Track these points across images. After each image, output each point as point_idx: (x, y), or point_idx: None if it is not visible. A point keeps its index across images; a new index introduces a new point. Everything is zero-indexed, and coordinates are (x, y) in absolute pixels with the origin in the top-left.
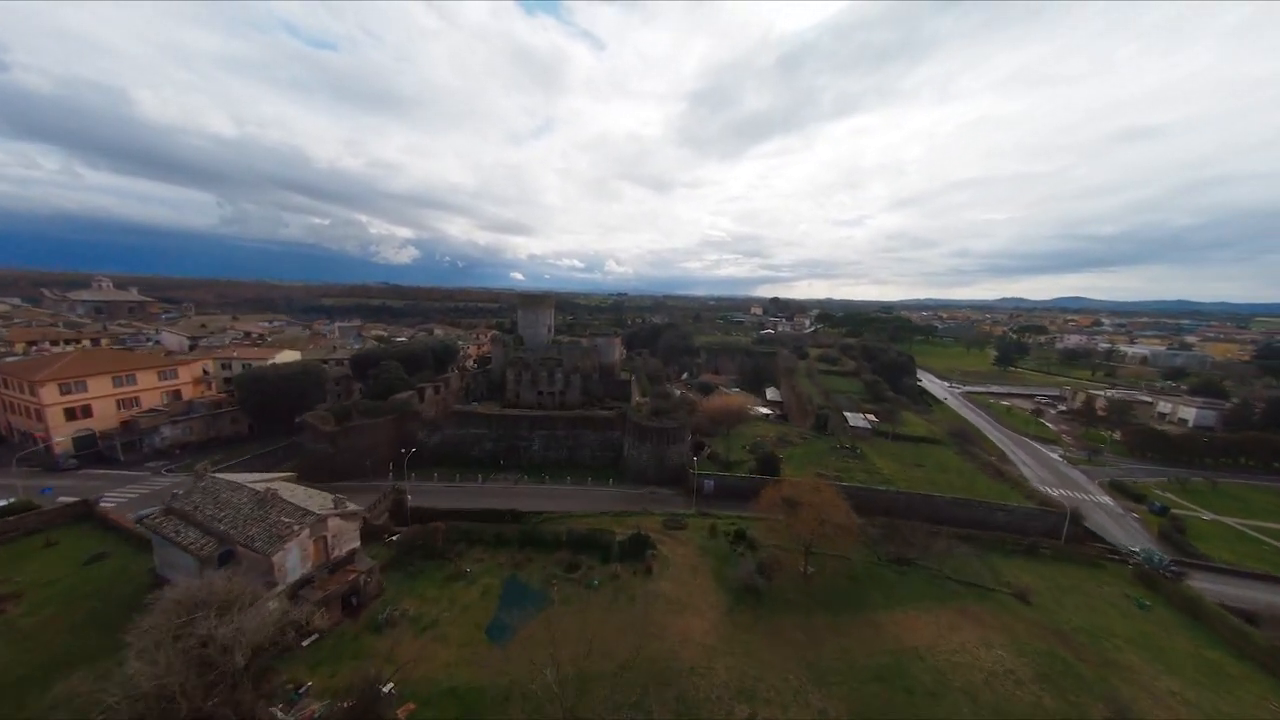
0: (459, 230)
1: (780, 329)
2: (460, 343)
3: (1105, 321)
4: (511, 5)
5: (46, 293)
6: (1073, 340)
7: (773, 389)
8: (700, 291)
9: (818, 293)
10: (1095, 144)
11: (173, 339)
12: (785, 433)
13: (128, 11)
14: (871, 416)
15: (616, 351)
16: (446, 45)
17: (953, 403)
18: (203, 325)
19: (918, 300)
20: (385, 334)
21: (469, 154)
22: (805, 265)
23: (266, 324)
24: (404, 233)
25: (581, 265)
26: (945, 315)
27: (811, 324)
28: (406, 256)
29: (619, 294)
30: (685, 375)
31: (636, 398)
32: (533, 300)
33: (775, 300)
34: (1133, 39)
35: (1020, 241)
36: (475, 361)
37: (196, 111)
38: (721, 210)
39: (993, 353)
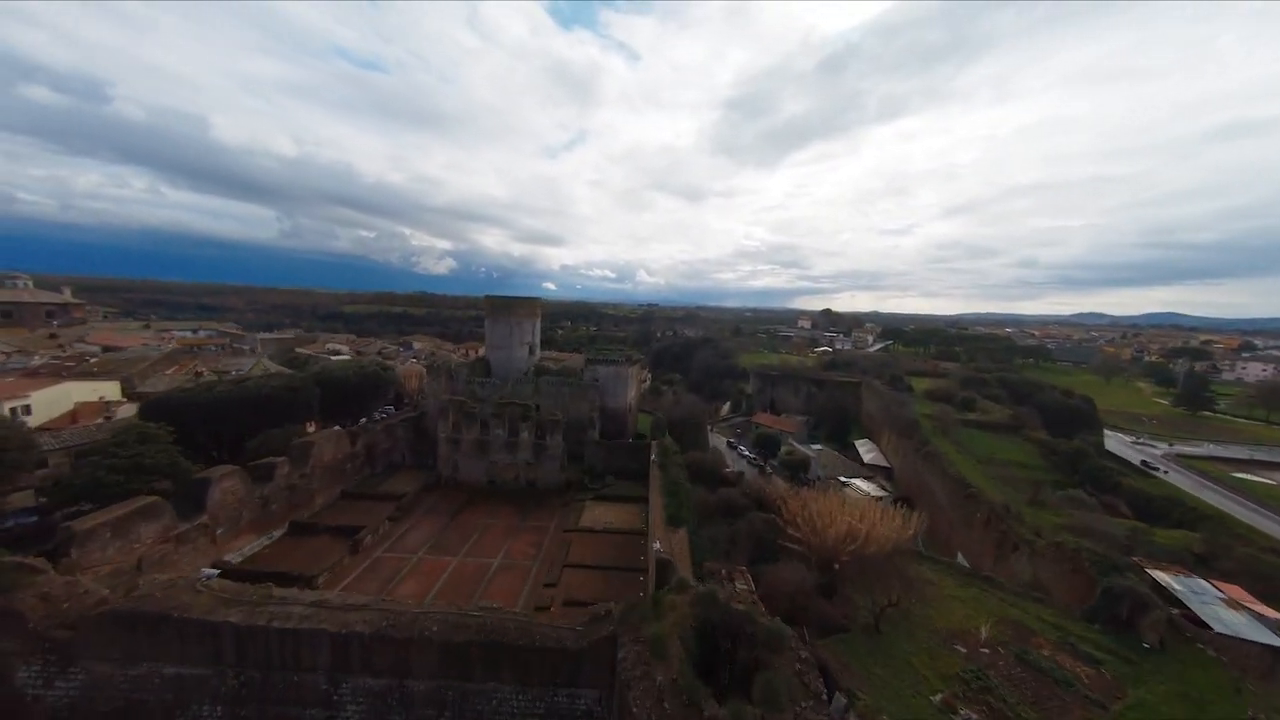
0: (494, 242)
1: (839, 346)
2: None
3: (1258, 343)
4: (549, 22)
5: None
6: (1257, 370)
7: (867, 444)
8: (733, 303)
9: (861, 305)
10: (1184, 143)
11: None
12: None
13: (207, 46)
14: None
15: (630, 389)
16: (486, 65)
17: (1181, 480)
18: (52, 335)
19: (976, 314)
20: (308, 352)
21: (505, 168)
22: (847, 276)
23: (191, 333)
24: (443, 244)
25: (613, 275)
26: (1030, 332)
27: (875, 341)
28: (444, 267)
29: (649, 304)
30: (727, 407)
31: (659, 507)
32: (504, 306)
33: (827, 312)
34: (1232, 26)
35: (1097, 250)
36: (409, 399)
37: (263, 134)
38: (757, 219)
39: (1144, 385)
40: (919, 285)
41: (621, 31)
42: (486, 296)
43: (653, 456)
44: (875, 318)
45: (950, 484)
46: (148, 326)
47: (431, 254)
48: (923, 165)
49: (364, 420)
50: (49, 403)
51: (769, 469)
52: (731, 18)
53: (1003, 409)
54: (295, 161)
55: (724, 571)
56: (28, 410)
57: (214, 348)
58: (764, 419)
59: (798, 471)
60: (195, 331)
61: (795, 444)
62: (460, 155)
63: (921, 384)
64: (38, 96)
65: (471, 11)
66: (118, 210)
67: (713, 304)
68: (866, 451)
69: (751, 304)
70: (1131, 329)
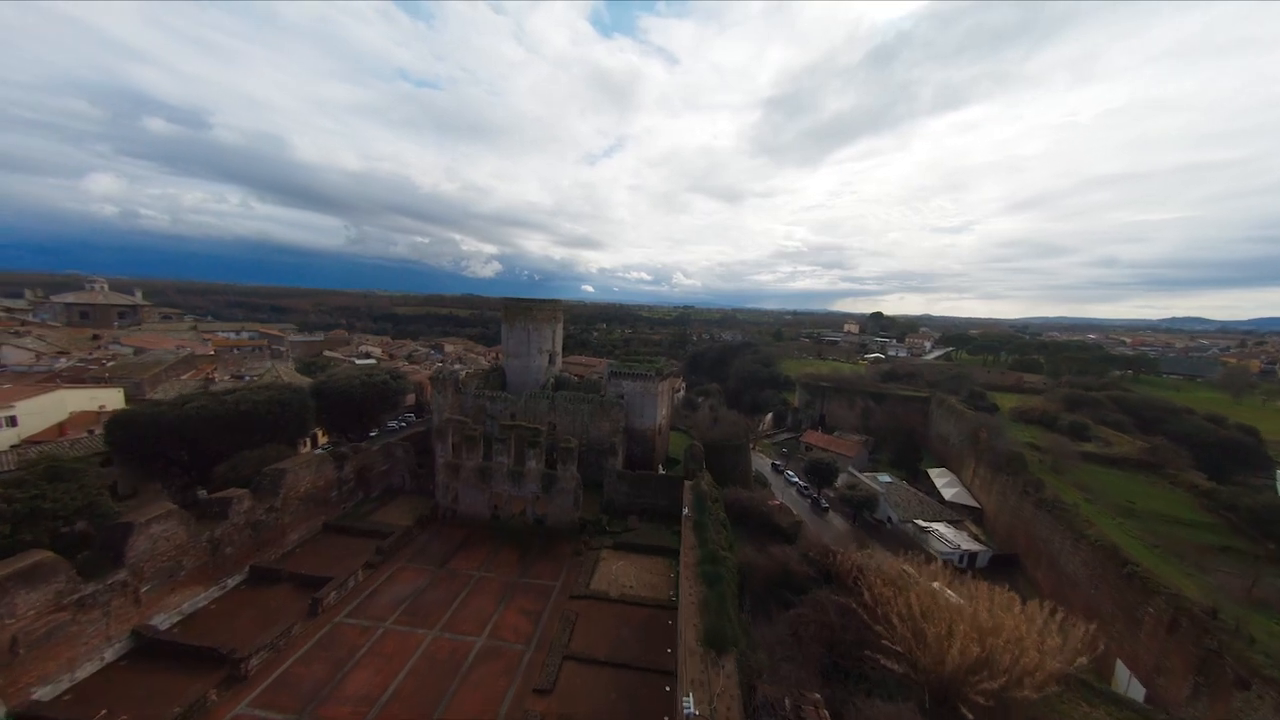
0: (537, 246)
1: (892, 353)
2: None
3: None
4: (590, 31)
5: (27, 293)
6: None
7: (945, 475)
8: (772, 305)
9: (911, 308)
10: None
11: (20, 355)
12: None
13: (288, 74)
14: None
15: (661, 407)
16: (530, 76)
17: None
18: (94, 336)
19: (1045, 319)
20: (336, 355)
21: (548, 175)
22: (895, 277)
23: (234, 334)
24: (490, 249)
25: (649, 278)
26: (1119, 339)
27: (933, 347)
28: (490, 271)
29: (685, 306)
30: (769, 420)
31: (691, 607)
32: (520, 309)
33: (877, 316)
34: None
35: (1192, 246)
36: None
37: (333, 151)
38: (798, 220)
39: None
40: (977, 286)
41: (660, 36)
42: (503, 300)
43: (685, 510)
44: (928, 321)
45: (1092, 553)
46: (194, 328)
47: (479, 258)
48: (984, 158)
49: (374, 433)
50: (39, 413)
51: (823, 502)
52: (772, 16)
53: (1130, 439)
54: (360, 175)
55: (788, 704)
56: (13, 421)
57: (252, 349)
58: (815, 439)
59: (861, 510)
60: (238, 333)
61: (856, 473)
62: (506, 164)
63: (1006, 401)
64: (155, 127)
65: (517, 25)
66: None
67: (750, 306)
68: (945, 485)
69: (791, 306)
70: (1249, 335)
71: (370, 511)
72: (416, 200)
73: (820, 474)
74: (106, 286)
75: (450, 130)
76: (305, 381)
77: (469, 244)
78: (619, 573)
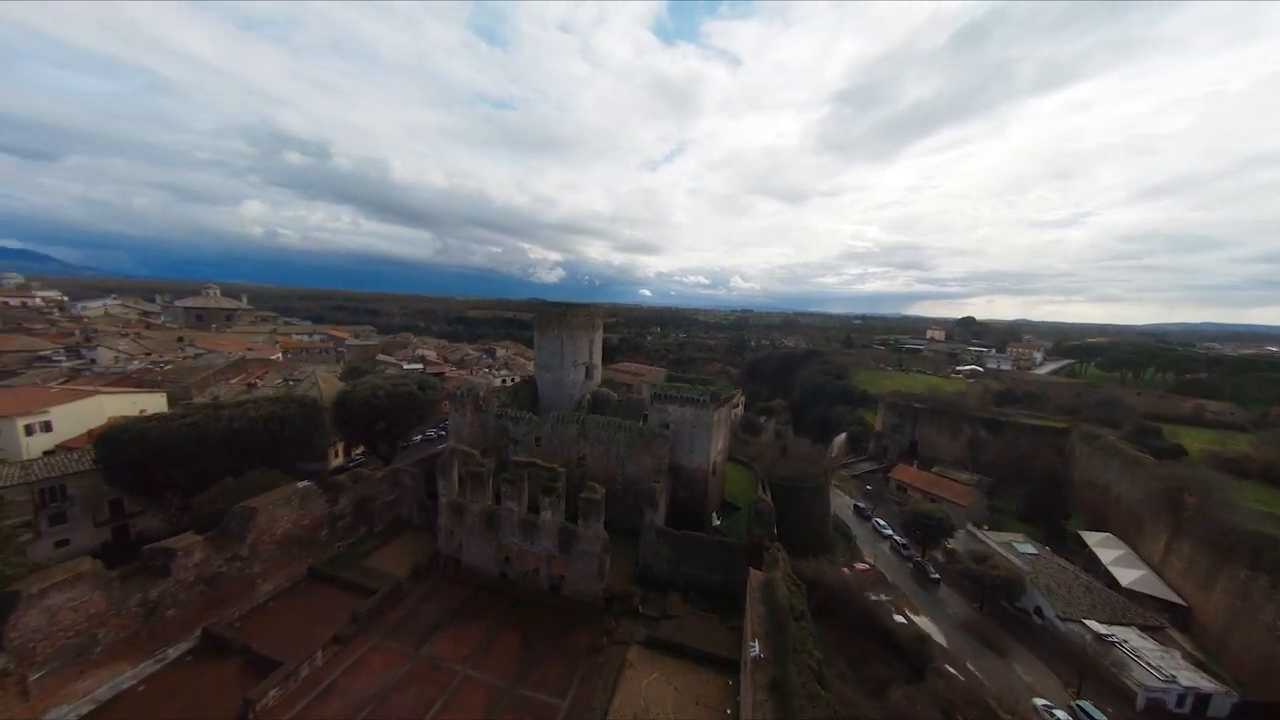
0: (597, 252)
1: (992, 365)
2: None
3: None
4: (652, 40)
5: (159, 298)
6: None
7: (1112, 545)
8: (838, 308)
9: (1003, 312)
10: None
11: (109, 356)
12: None
13: (389, 106)
14: None
15: (717, 440)
16: (595, 90)
17: None
18: (179, 339)
19: (1186, 325)
20: (388, 359)
21: (609, 183)
22: (983, 278)
23: (306, 336)
24: (554, 256)
25: (706, 282)
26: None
27: (1045, 359)
28: (555, 276)
29: (743, 310)
30: (841, 441)
31: (756, 644)
32: (553, 315)
33: (967, 322)
34: None
35: None
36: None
37: (424, 172)
38: (868, 218)
39: None
40: (1090, 287)
41: (722, 40)
42: (536, 304)
43: (754, 648)
44: (1027, 327)
45: None
46: (273, 331)
47: (544, 265)
48: (1100, 139)
49: (409, 443)
50: (74, 418)
51: (931, 569)
52: (842, 6)
53: None
54: (446, 192)
55: None
56: (48, 426)
57: (319, 351)
58: (909, 476)
59: (999, 595)
60: (310, 336)
61: (980, 533)
62: (572, 175)
63: (1190, 440)
64: (291, 159)
65: (584, 43)
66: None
67: (813, 310)
68: (1117, 563)
69: (860, 310)
70: None
71: (367, 552)
72: (491, 213)
73: (925, 530)
74: (218, 292)
75: (522, 146)
76: (338, 389)
77: (536, 252)
78: (651, 695)
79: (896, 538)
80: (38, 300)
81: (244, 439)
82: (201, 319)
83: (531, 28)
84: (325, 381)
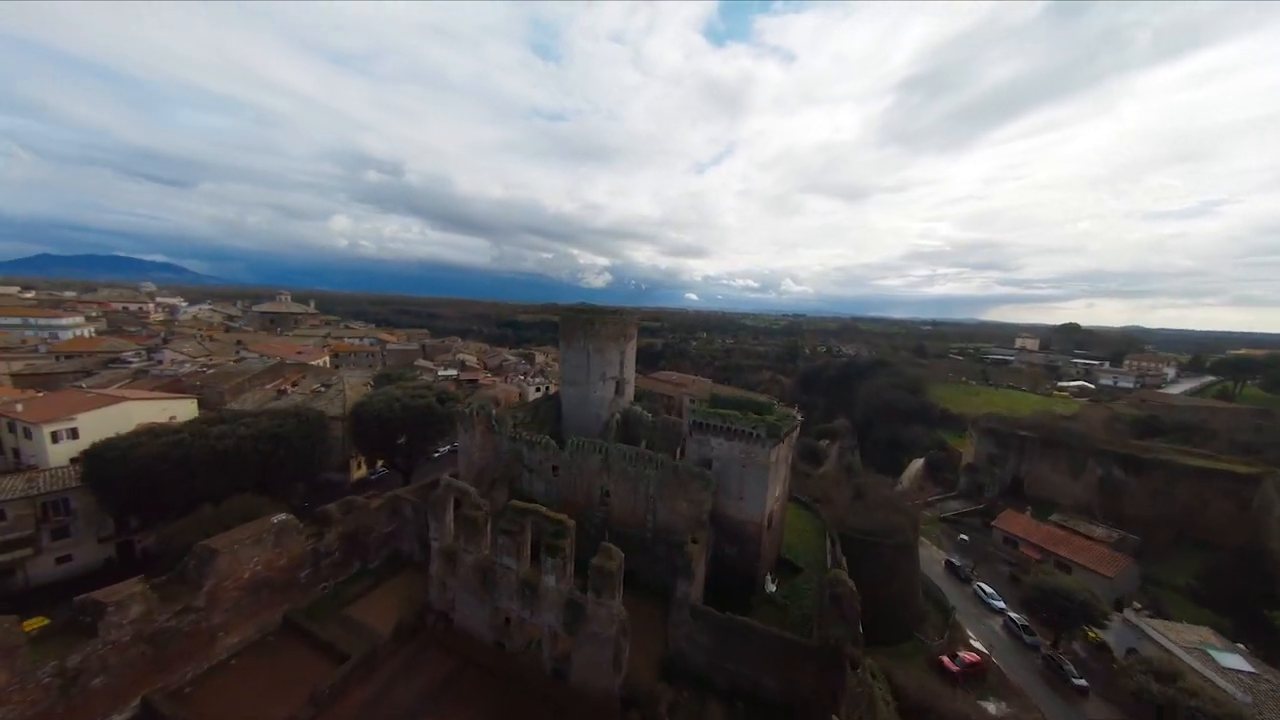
0: (644, 256)
1: (1107, 382)
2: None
3: None
4: (702, 44)
5: (239, 303)
6: None
7: None
8: (902, 313)
9: (1107, 317)
10: None
11: (172, 359)
12: None
13: (455, 125)
14: None
15: (775, 485)
16: (645, 98)
17: None
18: (238, 342)
19: None
20: (426, 364)
21: (657, 188)
22: (1081, 278)
23: (357, 340)
24: (602, 261)
25: (755, 285)
26: None
27: (1180, 375)
28: (602, 281)
29: (795, 315)
30: (918, 469)
31: None
32: (579, 323)
33: (1069, 329)
34: None
35: None
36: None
37: (483, 184)
38: (939, 215)
39: None
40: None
41: (775, 36)
42: (562, 309)
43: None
44: (1144, 335)
45: None
46: (327, 335)
47: (593, 270)
48: (1236, 115)
49: (432, 455)
50: (103, 424)
51: (1073, 672)
52: None
53: None
54: (502, 202)
55: None
56: (74, 433)
57: (367, 355)
58: (1022, 528)
59: None
60: (360, 340)
61: (1149, 626)
62: (620, 181)
63: None
64: (371, 178)
65: (634, 52)
66: (405, 248)
67: (874, 314)
68: None
69: (928, 315)
70: None
71: (355, 596)
72: (543, 220)
73: (1059, 613)
74: (289, 297)
75: (573, 156)
76: (365, 395)
77: (584, 257)
78: None
79: (1012, 615)
80: (151, 305)
81: (233, 460)
82: (274, 323)
83: (584, 42)
84: (353, 389)
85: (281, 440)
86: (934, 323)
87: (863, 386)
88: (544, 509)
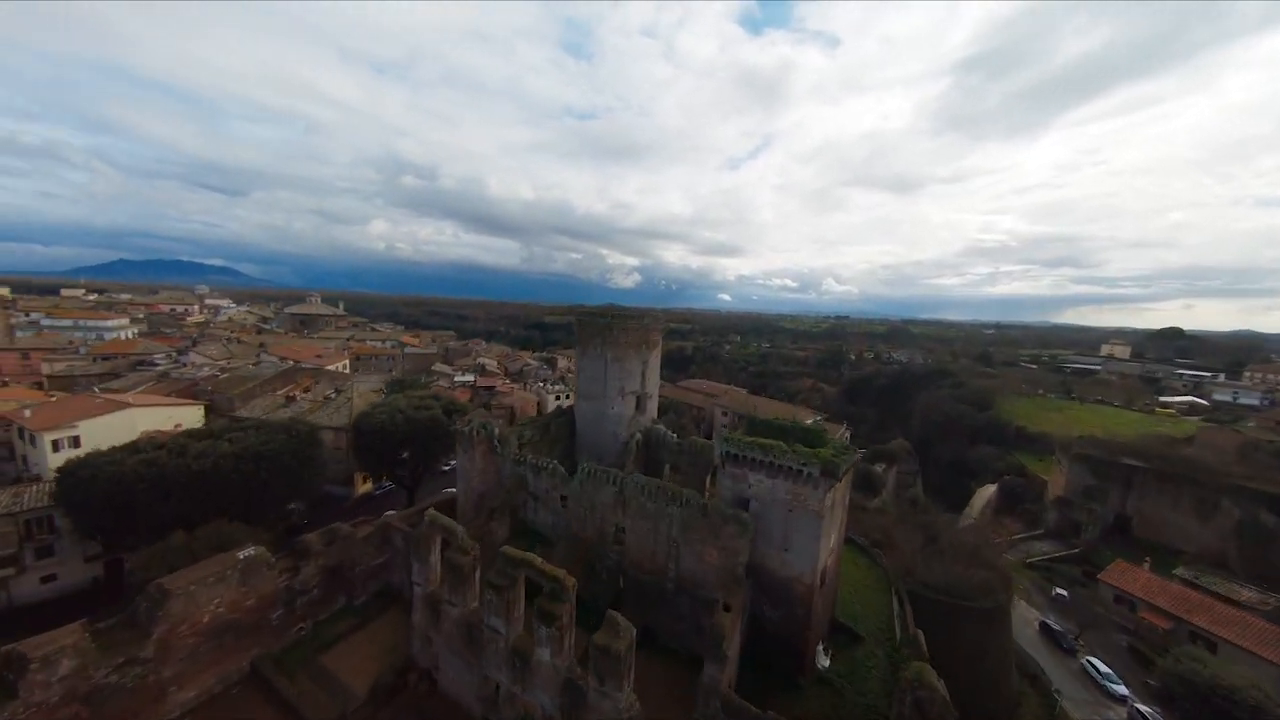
0: (675, 256)
1: (1224, 398)
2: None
3: None
4: (739, 33)
5: (272, 305)
6: None
7: None
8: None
9: (1210, 320)
10: None
11: (198, 360)
12: None
13: (486, 127)
14: None
15: (829, 534)
16: (677, 92)
17: None
18: (260, 345)
19: None
20: (444, 368)
21: (688, 185)
22: (1174, 276)
23: (379, 343)
24: (631, 261)
25: (794, 285)
26: None
27: None
28: (631, 281)
29: (837, 316)
30: (990, 495)
31: None
32: (596, 328)
33: (1168, 334)
34: None
35: None
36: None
37: (514, 186)
38: (1003, 206)
39: None
40: None
41: (818, 21)
42: (578, 311)
43: None
44: (1258, 341)
45: None
46: (350, 338)
47: (621, 270)
48: None
49: (440, 470)
50: (105, 432)
51: None
52: None
53: None
54: (532, 203)
55: None
56: (76, 442)
57: (388, 358)
58: (1143, 588)
59: None
60: (383, 342)
61: None
62: (650, 179)
63: None
64: (407, 183)
65: (667, 45)
66: (438, 250)
67: (926, 316)
68: None
69: (990, 316)
70: None
71: (335, 638)
72: (572, 221)
73: (1216, 716)
74: (319, 299)
75: (603, 154)
76: (370, 405)
77: (613, 257)
78: None
79: (1141, 708)
80: (196, 308)
81: (212, 481)
82: (303, 324)
83: (615, 38)
84: (361, 397)
85: (266, 459)
86: (998, 325)
87: (919, 398)
88: (539, 562)
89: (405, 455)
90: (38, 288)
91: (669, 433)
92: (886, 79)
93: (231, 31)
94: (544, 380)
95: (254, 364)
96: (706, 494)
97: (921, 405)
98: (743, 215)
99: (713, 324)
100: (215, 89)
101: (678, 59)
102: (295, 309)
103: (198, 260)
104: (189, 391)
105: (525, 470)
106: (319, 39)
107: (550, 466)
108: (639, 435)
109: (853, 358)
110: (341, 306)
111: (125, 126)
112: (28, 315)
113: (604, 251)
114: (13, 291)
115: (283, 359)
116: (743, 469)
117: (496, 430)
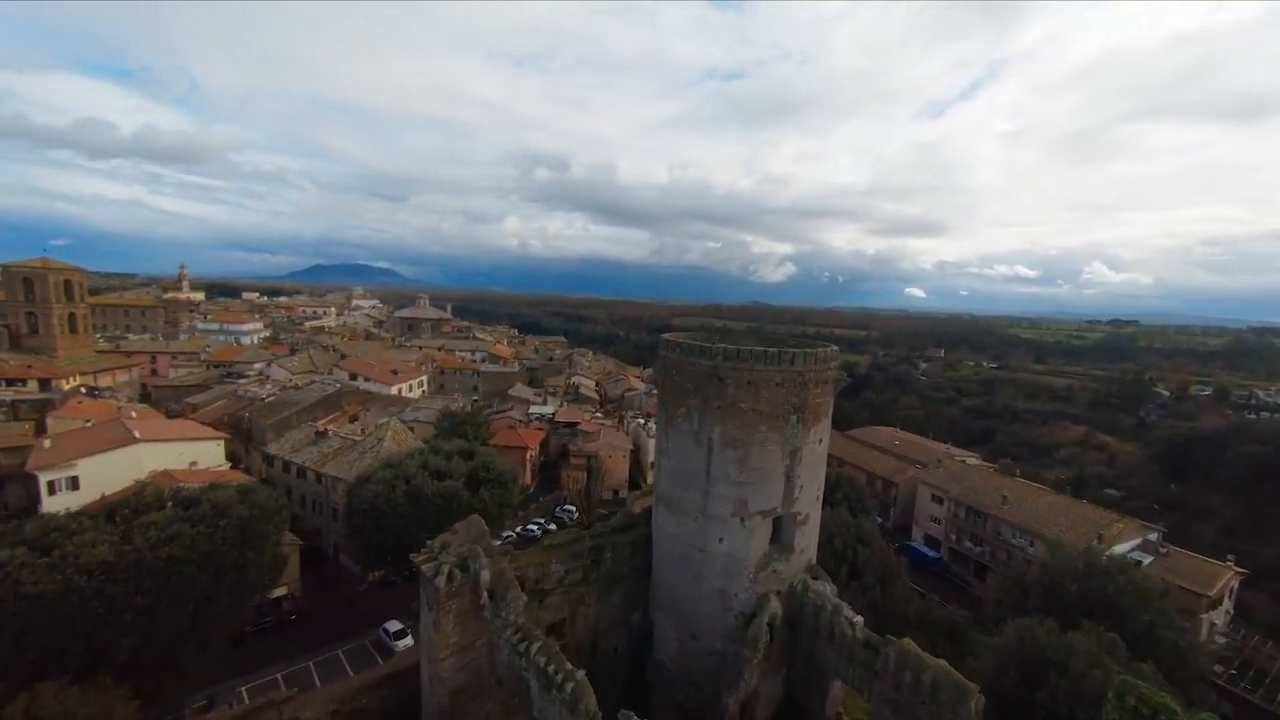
0: (843, 240)
1: None
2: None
3: None
4: None
5: (380, 305)
6: None
7: None
8: None
9: None
10: None
11: (283, 374)
12: None
13: (621, 108)
14: None
15: None
16: (851, 26)
17: None
18: (342, 356)
19: None
20: (521, 394)
21: (864, 145)
22: None
23: (468, 354)
24: (783, 249)
25: (1032, 274)
26: None
27: None
28: (782, 274)
29: (1112, 320)
30: None
31: None
32: (703, 373)
33: None
34: None
35: None
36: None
37: (648, 169)
38: None
39: None
40: None
41: None
42: (661, 341)
43: None
44: None
45: None
46: (441, 347)
47: (770, 260)
48: None
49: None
50: (109, 471)
51: None
52: None
53: None
54: (667, 187)
55: None
56: (74, 483)
57: (472, 373)
58: None
59: None
60: (472, 354)
61: None
62: (811, 143)
63: None
64: (540, 176)
65: None
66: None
67: None
68: None
69: None
70: None
71: None
72: (711, 204)
73: None
74: (427, 301)
75: (752, 119)
76: (407, 450)
77: (760, 244)
78: None
79: None
80: (331, 310)
81: (67, 611)
82: (412, 328)
83: None
84: (403, 438)
85: (175, 565)
86: None
87: None
88: None
89: (402, 540)
90: (263, 289)
91: (840, 605)
92: None
93: (401, 50)
94: (644, 417)
95: (311, 382)
96: None
97: None
98: (946, 179)
99: (899, 330)
100: (387, 105)
101: None
102: (405, 312)
103: (369, 263)
104: (237, 415)
105: (529, 671)
106: (469, 43)
107: (573, 678)
108: (776, 612)
109: (1166, 393)
110: (449, 309)
111: (326, 149)
112: (206, 318)
113: (748, 238)
114: (243, 293)
115: (352, 375)
116: None
117: (486, 574)
